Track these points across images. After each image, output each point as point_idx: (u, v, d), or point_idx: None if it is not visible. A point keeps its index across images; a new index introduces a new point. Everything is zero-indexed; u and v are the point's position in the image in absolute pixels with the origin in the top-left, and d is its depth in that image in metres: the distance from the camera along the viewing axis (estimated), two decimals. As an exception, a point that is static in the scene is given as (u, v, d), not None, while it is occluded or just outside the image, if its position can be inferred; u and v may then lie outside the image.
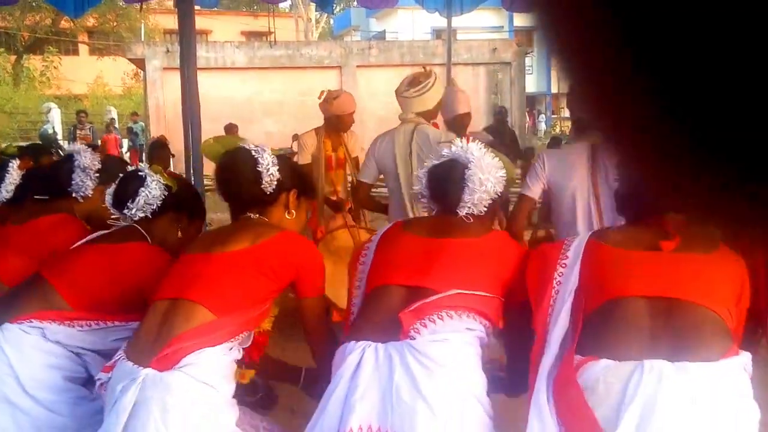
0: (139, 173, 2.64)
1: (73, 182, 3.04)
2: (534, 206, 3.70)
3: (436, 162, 2.47)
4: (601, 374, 1.88)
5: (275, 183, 2.39)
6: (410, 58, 21.11)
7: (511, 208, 3.72)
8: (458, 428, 1.94)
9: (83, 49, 33.89)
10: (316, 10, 29.10)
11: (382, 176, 4.37)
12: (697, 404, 1.78)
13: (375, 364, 2.02)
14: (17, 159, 3.43)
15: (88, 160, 3.07)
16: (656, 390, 1.78)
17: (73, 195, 3.05)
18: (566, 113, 34.09)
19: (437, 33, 27.82)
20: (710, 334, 1.90)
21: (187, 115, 5.74)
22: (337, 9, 34.47)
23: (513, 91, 21.31)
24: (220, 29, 31.66)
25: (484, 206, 2.34)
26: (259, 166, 2.38)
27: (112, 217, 2.68)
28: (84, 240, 2.67)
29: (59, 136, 19.45)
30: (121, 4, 24.54)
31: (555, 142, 12.22)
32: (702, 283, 2.00)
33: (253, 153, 2.42)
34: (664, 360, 1.84)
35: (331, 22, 38.22)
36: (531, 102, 30.87)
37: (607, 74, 0.39)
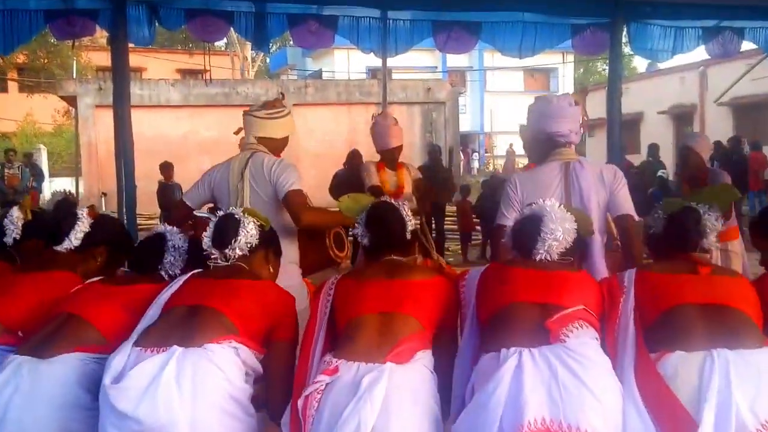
0: (235, 216, 2.96)
1: (165, 261, 3.15)
2: None
3: (519, 217, 2.91)
4: (678, 363, 2.33)
5: (411, 231, 2.96)
6: (346, 97, 21.34)
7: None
8: (618, 412, 2.28)
9: (12, 86, 33.14)
10: (252, 49, 29.16)
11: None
12: (761, 378, 2.25)
13: (534, 365, 2.30)
14: (86, 207, 3.44)
15: (180, 240, 3.21)
16: (727, 372, 2.24)
17: (161, 273, 3.13)
18: (498, 151, 34.82)
19: (373, 72, 28.16)
20: (748, 329, 2.44)
21: (120, 153, 5.70)
22: (273, 48, 34.59)
23: (447, 129, 21.69)
24: (155, 67, 31.37)
25: (557, 253, 2.70)
26: (405, 217, 2.95)
27: (212, 257, 2.94)
28: (194, 273, 2.94)
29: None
30: (52, 41, 24.13)
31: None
32: (735, 294, 2.57)
33: (397, 205, 2.99)
34: (725, 348, 2.31)
35: (267, 60, 38.32)
36: (464, 140, 31.40)
37: None
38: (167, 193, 12.05)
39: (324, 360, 2.53)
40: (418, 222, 5.19)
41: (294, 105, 20.89)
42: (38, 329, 2.83)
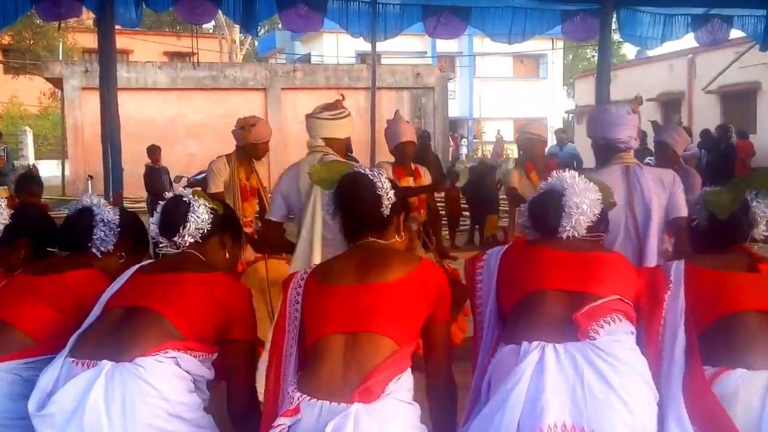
0: (183, 199, 2.62)
1: (94, 236, 2.85)
2: None
3: (535, 194, 2.64)
4: (740, 383, 2.07)
5: (390, 206, 2.43)
6: (335, 82, 21.26)
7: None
8: (650, 420, 2.04)
9: (-3, 67, 32.84)
10: (240, 32, 28.98)
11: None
12: None
13: (558, 363, 2.07)
14: (4, 198, 3.16)
15: (109, 213, 2.90)
16: None
17: (93, 250, 2.85)
18: (487, 137, 34.82)
19: (362, 57, 28.06)
20: None
21: (106, 135, 5.66)
22: (262, 31, 34.40)
23: (436, 115, 21.67)
24: (142, 49, 31.09)
25: (584, 228, 2.46)
26: (379, 189, 2.42)
27: (161, 246, 2.63)
28: (141, 266, 2.63)
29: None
30: (38, 22, 23.88)
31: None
32: None
33: (371, 177, 2.45)
34: None
35: (256, 44, 38.10)
36: (453, 126, 31.39)
37: None
38: (154, 176, 11.97)
39: (287, 393, 2.21)
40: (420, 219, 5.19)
41: (282, 89, 20.89)
42: None
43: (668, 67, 26.51)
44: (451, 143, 23.69)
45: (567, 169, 2.61)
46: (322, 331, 2.23)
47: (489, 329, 2.44)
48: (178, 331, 2.30)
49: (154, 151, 12.30)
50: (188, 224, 2.57)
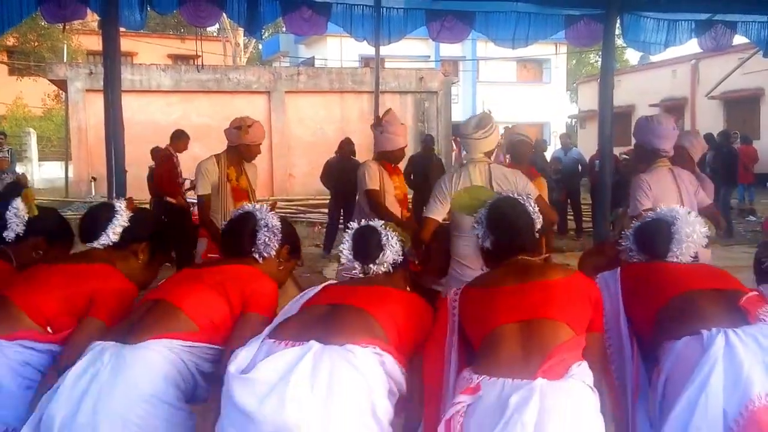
0: (377, 229, 2.80)
1: (258, 241, 2.89)
2: None
3: (641, 222, 2.91)
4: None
5: (540, 227, 2.68)
6: (339, 85, 21.27)
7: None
8: None
9: (2, 68, 32.89)
10: (244, 35, 29.03)
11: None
12: None
13: (743, 344, 2.19)
14: (123, 199, 3.18)
15: (273, 219, 2.95)
16: None
17: (255, 255, 2.89)
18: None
19: (365, 61, 28.08)
20: None
21: (110, 138, 5.67)
22: (266, 34, 34.44)
23: (439, 119, 21.68)
24: (146, 52, 31.15)
25: (691, 256, 2.74)
26: (532, 214, 2.66)
27: (353, 271, 2.78)
28: (327, 284, 2.80)
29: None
30: (43, 24, 23.95)
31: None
32: None
33: (522, 201, 2.69)
34: None
35: (260, 47, 38.15)
36: (456, 130, 31.36)
37: None
38: (157, 178, 11.98)
39: (462, 376, 2.25)
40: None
41: (286, 92, 20.88)
42: (70, 325, 2.64)
43: (671, 72, 26.53)
44: (454, 147, 23.69)
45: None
46: (493, 324, 2.32)
47: (626, 339, 2.56)
48: (384, 333, 2.38)
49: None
50: (387, 253, 2.75)
